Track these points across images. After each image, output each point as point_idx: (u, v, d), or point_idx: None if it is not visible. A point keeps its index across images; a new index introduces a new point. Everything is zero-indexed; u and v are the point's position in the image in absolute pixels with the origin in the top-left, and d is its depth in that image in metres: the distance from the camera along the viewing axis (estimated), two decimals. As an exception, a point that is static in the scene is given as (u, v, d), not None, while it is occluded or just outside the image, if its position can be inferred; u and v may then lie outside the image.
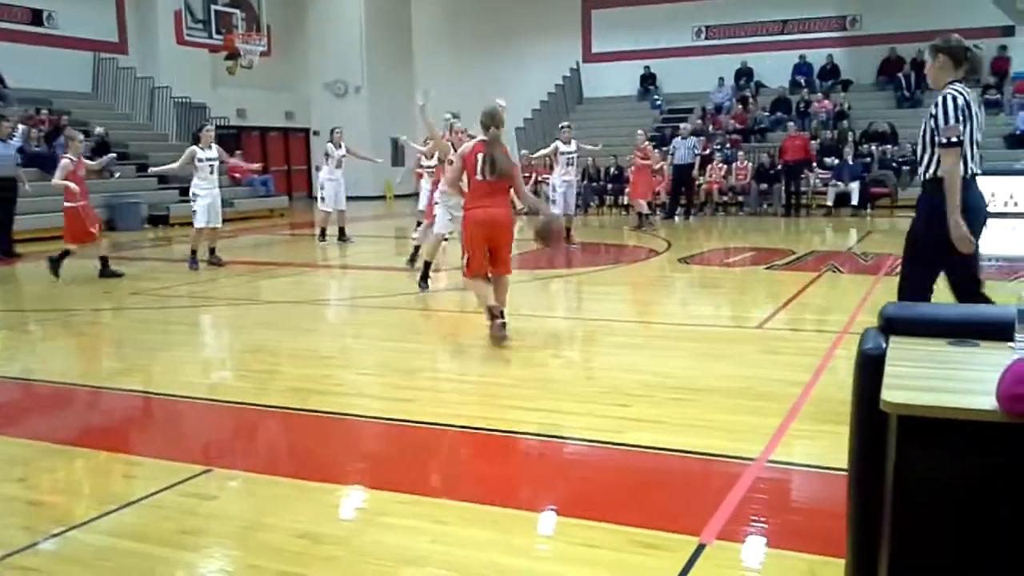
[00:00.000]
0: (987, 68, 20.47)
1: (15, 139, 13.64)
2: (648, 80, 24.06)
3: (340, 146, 13.34)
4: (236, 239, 14.80)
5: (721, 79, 22.74)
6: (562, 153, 12.86)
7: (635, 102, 23.91)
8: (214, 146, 10.56)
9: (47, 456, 4.09)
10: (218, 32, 20.37)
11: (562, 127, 13.48)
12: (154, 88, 20.75)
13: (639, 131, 16.22)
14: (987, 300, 4.18)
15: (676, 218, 16.88)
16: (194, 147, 10.43)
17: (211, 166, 10.46)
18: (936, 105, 4.14)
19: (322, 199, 13.59)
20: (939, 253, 4.15)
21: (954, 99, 4.12)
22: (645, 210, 15.30)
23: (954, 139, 4.08)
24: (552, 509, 3.36)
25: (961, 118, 4.08)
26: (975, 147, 4.18)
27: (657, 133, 21.32)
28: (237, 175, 20.67)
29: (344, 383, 5.34)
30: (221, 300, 8.86)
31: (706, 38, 24.07)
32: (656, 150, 17.53)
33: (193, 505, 3.38)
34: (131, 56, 21.15)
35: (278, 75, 24.22)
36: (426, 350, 6.38)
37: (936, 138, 4.13)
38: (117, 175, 17.48)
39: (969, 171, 4.14)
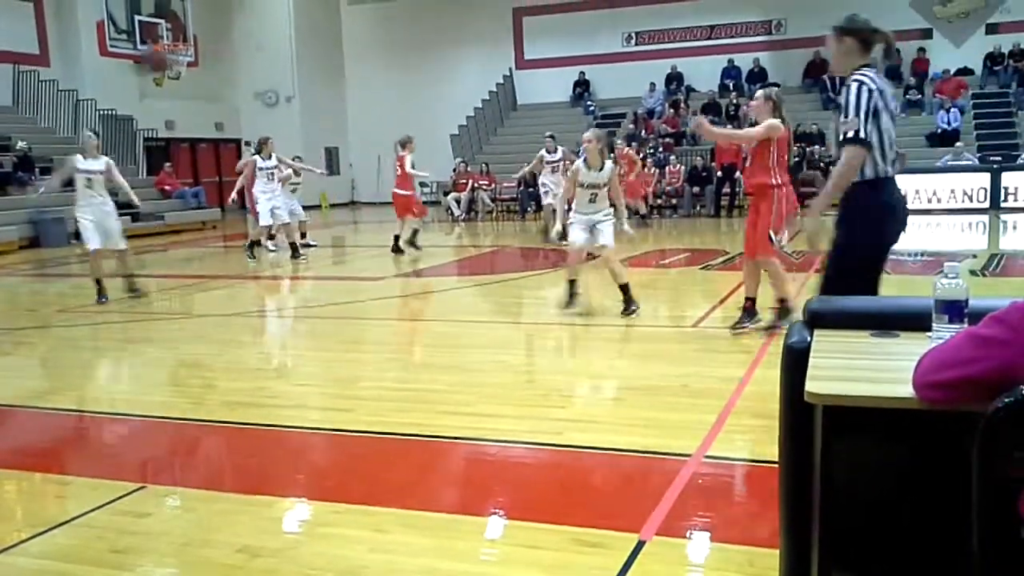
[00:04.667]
0: (908, 68, 21.16)
1: None
2: (581, 86, 24.27)
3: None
4: (167, 252, 14.52)
5: (652, 84, 23.05)
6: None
7: (568, 108, 24.10)
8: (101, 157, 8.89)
9: (-29, 480, 3.96)
10: (143, 42, 19.94)
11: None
12: (78, 101, 20.22)
13: (618, 140, 16.95)
14: None
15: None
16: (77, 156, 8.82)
17: (88, 178, 8.73)
18: (843, 94, 3.69)
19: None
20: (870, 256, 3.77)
21: (861, 87, 3.62)
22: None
23: (851, 134, 3.61)
24: (492, 512, 3.36)
25: (867, 110, 3.60)
26: (889, 143, 3.70)
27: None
28: (166, 187, 20.29)
29: (280, 395, 5.26)
30: (153, 315, 8.68)
31: (636, 44, 24.36)
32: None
33: (127, 523, 3.30)
34: (53, 68, 20.56)
35: (207, 85, 23.83)
36: (363, 359, 6.33)
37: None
38: (42, 190, 17.00)
39: (882, 171, 3.69)
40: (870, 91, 3.63)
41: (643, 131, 20.99)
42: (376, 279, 10.38)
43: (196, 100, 23.58)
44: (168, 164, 21.41)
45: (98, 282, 8.76)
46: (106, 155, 9.17)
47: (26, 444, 4.70)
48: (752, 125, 6.56)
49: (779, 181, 6.09)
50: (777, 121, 6.04)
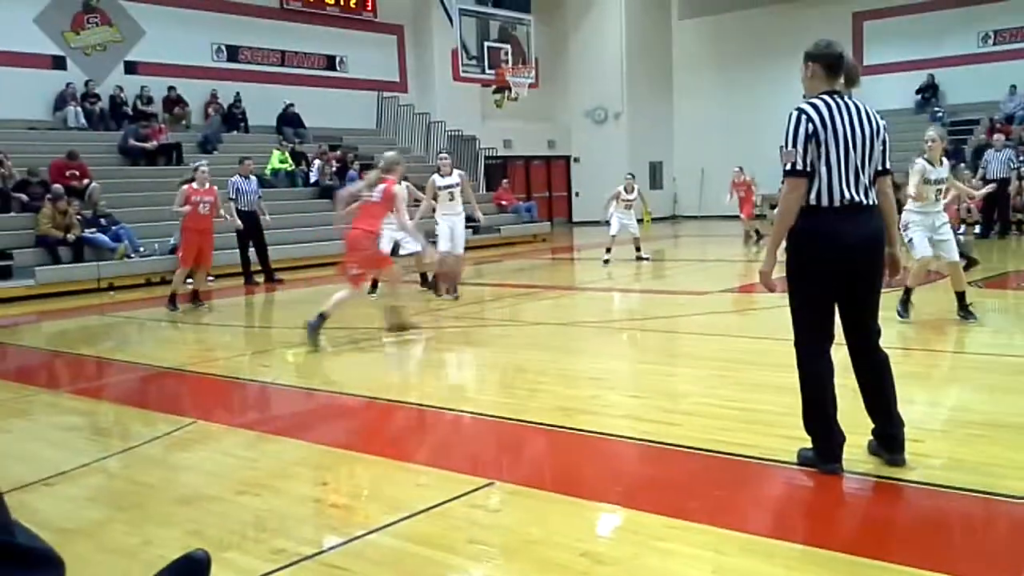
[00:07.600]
0: None
1: (252, 178, 13.17)
2: (928, 91, 22.42)
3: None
4: (501, 263, 15.43)
5: (1013, 87, 20.76)
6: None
7: (912, 115, 22.35)
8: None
9: (346, 462, 4.48)
10: (489, 68, 21.32)
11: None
12: (430, 123, 22.22)
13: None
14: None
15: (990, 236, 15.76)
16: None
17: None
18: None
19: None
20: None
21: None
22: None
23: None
24: (842, 547, 3.17)
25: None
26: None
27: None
28: (503, 202, 21.63)
29: (611, 404, 5.38)
30: (489, 322, 9.25)
31: (994, 43, 22.08)
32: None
33: (478, 516, 3.54)
34: (410, 94, 22.81)
35: (540, 105, 25.04)
36: (690, 374, 6.29)
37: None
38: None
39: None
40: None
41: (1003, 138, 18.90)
42: (701, 293, 10.28)
43: (530, 120, 24.89)
44: (505, 180, 22.83)
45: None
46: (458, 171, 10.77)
47: (385, 433, 5.21)
48: None
49: None
50: None
